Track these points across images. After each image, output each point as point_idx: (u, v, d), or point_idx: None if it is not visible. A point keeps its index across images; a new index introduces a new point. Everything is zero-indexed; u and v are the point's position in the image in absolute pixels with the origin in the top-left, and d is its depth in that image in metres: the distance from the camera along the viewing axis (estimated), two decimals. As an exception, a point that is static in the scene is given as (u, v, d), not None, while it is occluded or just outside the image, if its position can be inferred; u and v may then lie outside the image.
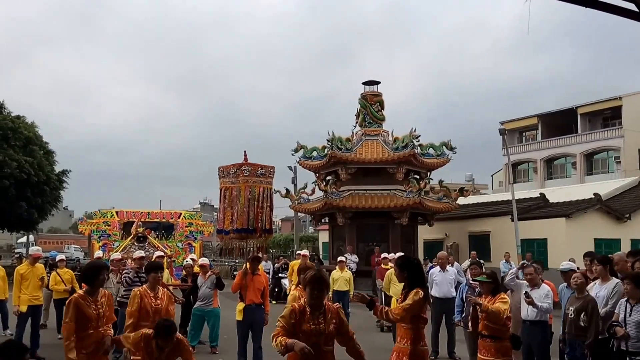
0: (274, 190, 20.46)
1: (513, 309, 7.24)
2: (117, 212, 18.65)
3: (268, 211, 8.96)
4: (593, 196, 23.87)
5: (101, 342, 5.82)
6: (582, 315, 6.95)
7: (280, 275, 21.82)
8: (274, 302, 18.94)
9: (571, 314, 7.09)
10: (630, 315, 6.47)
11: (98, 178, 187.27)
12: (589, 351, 6.89)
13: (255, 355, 9.36)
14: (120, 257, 12.27)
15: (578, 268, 7.85)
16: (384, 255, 15.60)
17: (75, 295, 5.83)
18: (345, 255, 19.38)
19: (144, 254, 11.48)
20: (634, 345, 6.37)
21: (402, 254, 8.89)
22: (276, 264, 23.63)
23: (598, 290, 7.36)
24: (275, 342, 4.49)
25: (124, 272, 10.90)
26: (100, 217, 17.98)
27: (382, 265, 14.95)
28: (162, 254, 12.70)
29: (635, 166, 39.88)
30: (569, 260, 16.03)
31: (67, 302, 5.78)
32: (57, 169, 34.34)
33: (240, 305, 9.40)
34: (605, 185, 27.98)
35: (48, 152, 33.63)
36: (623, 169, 40.95)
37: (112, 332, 6.15)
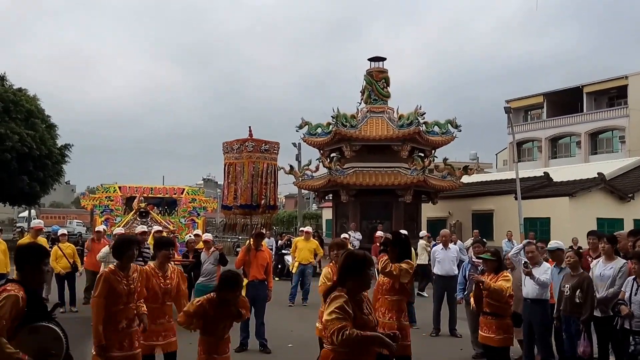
0: (278, 167, 20.52)
1: (514, 287, 7.27)
2: (119, 187, 18.55)
3: (272, 187, 8.89)
4: (597, 175, 23.83)
5: (140, 317, 5.66)
6: (578, 292, 7.03)
7: (283, 251, 21.87)
8: (277, 278, 19.04)
9: (567, 292, 7.15)
10: (635, 294, 6.48)
11: (100, 152, 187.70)
12: (584, 327, 6.98)
13: (257, 331, 9.39)
14: (122, 231, 12.27)
15: (571, 247, 7.83)
16: (344, 235, 15.73)
17: (106, 269, 5.53)
18: (349, 232, 19.41)
19: (146, 229, 11.48)
20: (638, 324, 6.39)
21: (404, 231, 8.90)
22: (279, 241, 23.69)
23: (602, 268, 7.36)
24: (347, 334, 3.77)
25: None
26: (102, 192, 17.86)
27: (377, 244, 15.09)
28: (160, 228, 12.63)
29: (639, 145, 39.70)
30: (572, 240, 16.18)
31: (97, 277, 5.50)
32: (59, 142, 34.32)
33: (244, 281, 9.41)
34: (609, 165, 27.93)
35: (50, 126, 33.54)
36: (627, 148, 40.82)
37: (145, 307, 5.86)
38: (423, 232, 17.35)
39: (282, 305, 13.89)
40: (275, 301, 12.66)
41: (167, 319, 6.39)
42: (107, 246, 11.39)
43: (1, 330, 3.52)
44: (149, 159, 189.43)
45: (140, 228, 11.51)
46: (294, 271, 15.04)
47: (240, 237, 27.04)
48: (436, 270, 11.16)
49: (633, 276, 6.69)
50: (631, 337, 6.43)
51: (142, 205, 13.99)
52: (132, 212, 14.11)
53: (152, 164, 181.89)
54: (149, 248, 11.17)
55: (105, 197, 17.40)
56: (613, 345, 7.06)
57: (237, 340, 9.35)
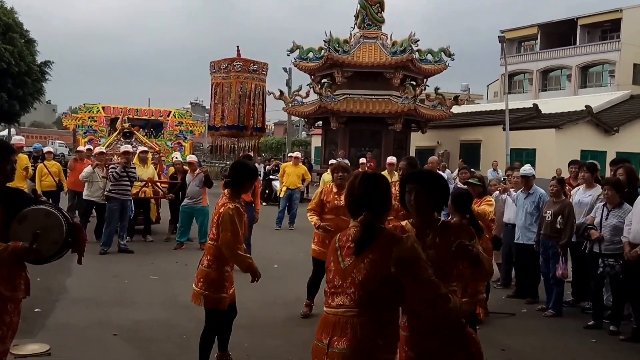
0: (268, 91, 20.41)
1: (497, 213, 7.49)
2: (103, 108, 18.21)
3: (260, 109, 8.83)
4: (584, 108, 23.92)
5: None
6: (559, 218, 7.20)
7: (271, 177, 21.98)
8: (264, 203, 19.18)
9: (548, 217, 7.33)
10: (606, 219, 6.74)
11: (84, 71, 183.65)
12: (562, 251, 7.22)
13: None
14: (103, 150, 12.15)
15: (554, 178, 7.96)
16: (332, 161, 16.10)
17: (231, 206, 4.75)
18: (337, 159, 19.47)
19: (130, 149, 11.32)
20: (608, 247, 6.67)
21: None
22: (267, 166, 23.77)
23: (582, 196, 7.62)
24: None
25: (111, 167, 10.82)
26: (85, 112, 17.54)
27: (360, 170, 15.36)
28: (146, 148, 12.56)
29: (628, 80, 39.78)
30: (556, 171, 16.37)
31: (225, 214, 4.73)
32: (40, 59, 33.46)
33: (231, 203, 9.45)
34: (597, 98, 28.02)
35: (29, 41, 32.54)
36: (617, 83, 40.83)
37: None
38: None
39: (269, 229, 14.08)
40: (262, 225, 12.81)
41: None
42: (89, 166, 11.30)
43: None
44: (134, 80, 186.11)
45: (125, 147, 11.32)
46: (281, 196, 15.14)
47: (228, 163, 27.04)
48: (424, 196, 11.30)
49: (603, 202, 6.92)
50: (600, 260, 6.70)
51: (126, 125, 13.81)
52: (116, 133, 13.94)
53: (137, 86, 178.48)
54: (134, 168, 11.16)
55: (89, 118, 17.11)
56: (584, 267, 7.32)
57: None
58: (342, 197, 6.14)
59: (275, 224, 14.65)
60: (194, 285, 4.89)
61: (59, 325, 6.31)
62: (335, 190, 6.79)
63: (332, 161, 16.59)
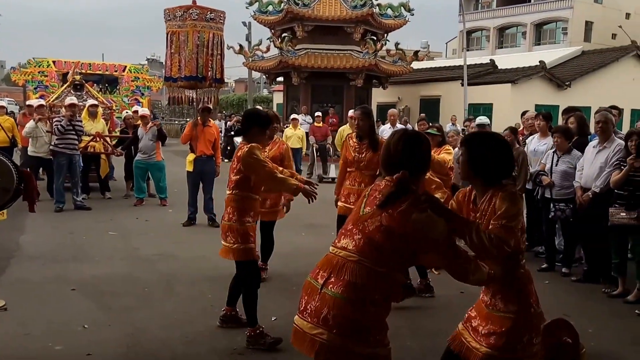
0: (227, 45, 20.02)
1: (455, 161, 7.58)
2: (54, 62, 17.63)
3: (219, 59, 8.60)
4: (538, 64, 24.34)
5: None
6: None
7: (232, 133, 21.79)
8: (225, 160, 19.05)
9: None
10: (556, 165, 6.94)
11: (34, 26, 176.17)
12: None
13: (205, 206, 9.41)
14: (43, 102, 11.68)
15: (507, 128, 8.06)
16: (294, 116, 16.91)
17: (245, 148, 4.51)
18: (299, 115, 19.39)
19: (75, 101, 10.91)
20: (558, 193, 6.89)
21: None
22: (228, 122, 23.53)
23: (537, 144, 7.77)
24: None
25: (55, 120, 10.43)
26: (35, 67, 16.96)
27: (316, 124, 16.98)
28: (96, 102, 12.14)
29: (580, 37, 40.56)
30: (515, 125, 16.66)
31: (244, 157, 4.48)
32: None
33: (191, 157, 9.28)
34: (551, 54, 28.48)
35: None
36: (569, 40, 41.54)
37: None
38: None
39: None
40: (224, 181, 12.63)
41: None
42: (32, 120, 10.89)
43: None
44: (87, 36, 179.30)
45: (69, 100, 10.86)
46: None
47: (187, 120, 26.62)
48: (384, 148, 11.41)
49: (553, 149, 7.09)
50: (552, 205, 6.92)
51: (77, 77, 13.28)
52: (66, 84, 13.42)
53: (90, 42, 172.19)
54: (81, 121, 10.85)
55: (39, 73, 16.56)
56: (536, 212, 7.52)
57: (185, 215, 9.46)
58: (269, 149, 6.07)
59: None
60: (222, 241, 4.74)
61: (14, 281, 6.20)
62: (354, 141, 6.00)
63: (293, 116, 16.65)
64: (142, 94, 18.95)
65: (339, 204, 6.09)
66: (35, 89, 16.52)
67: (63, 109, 11.15)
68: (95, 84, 15.76)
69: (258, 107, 11.68)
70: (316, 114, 17.69)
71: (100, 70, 17.83)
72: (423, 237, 2.55)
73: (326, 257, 2.71)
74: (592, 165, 6.37)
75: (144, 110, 11.89)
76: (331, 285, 2.58)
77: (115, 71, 18.05)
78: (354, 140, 5.95)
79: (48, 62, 17.58)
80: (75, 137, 10.38)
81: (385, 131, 11.63)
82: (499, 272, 2.78)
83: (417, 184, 2.71)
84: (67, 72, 15.53)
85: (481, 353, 2.85)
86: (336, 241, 2.73)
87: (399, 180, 2.60)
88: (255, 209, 4.75)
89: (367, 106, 6.05)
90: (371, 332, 2.55)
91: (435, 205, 2.57)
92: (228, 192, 4.72)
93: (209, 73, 8.52)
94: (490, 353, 2.82)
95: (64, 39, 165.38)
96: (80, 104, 11.80)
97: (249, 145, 4.50)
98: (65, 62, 17.34)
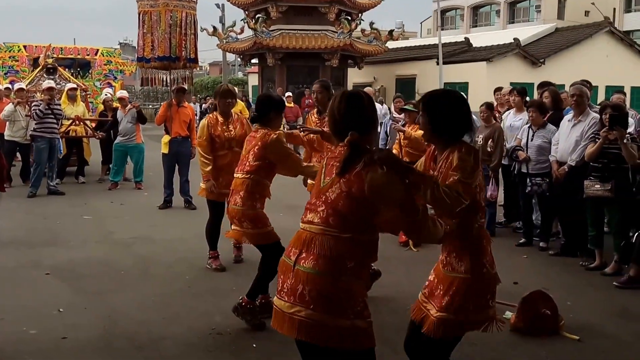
0: (201, 27, 19.76)
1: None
2: (25, 47, 17.34)
3: (192, 39, 8.44)
4: (513, 41, 24.47)
5: None
6: (490, 141, 7.38)
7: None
8: (201, 142, 18.90)
9: (480, 141, 7.49)
10: (532, 140, 6.96)
11: (3, 11, 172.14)
12: (493, 173, 7.45)
13: (182, 188, 9.29)
14: (23, 86, 11.46)
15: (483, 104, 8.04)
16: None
17: (273, 135, 4.48)
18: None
19: (53, 84, 10.69)
20: (534, 167, 6.93)
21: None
22: (204, 105, 23.34)
23: (512, 120, 7.80)
24: None
25: (33, 104, 10.19)
26: (5, 51, 16.62)
27: (287, 104, 16.08)
28: (74, 85, 11.94)
29: (554, 15, 40.86)
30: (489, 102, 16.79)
31: (273, 144, 4.46)
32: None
33: (166, 138, 9.14)
34: (525, 31, 28.60)
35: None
36: (542, 17, 41.77)
37: None
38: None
39: (207, 167, 13.89)
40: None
41: None
42: (10, 104, 10.65)
43: None
44: (58, 20, 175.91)
45: (47, 83, 10.62)
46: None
47: (161, 104, 26.30)
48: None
49: (528, 124, 7.11)
50: (528, 180, 6.96)
51: (50, 60, 13.03)
52: (39, 69, 13.20)
53: (62, 27, 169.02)
54: (59, 105, 10.65)
55: (9, 57, 16.25)
56: (513, 187, 7.58)
57: (160, 197, 9.36)
58: (233, 128, 5.91)
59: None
60: (236, 227, 4.63)
61: (-14, 266, 6.08)
62: (221, 119, 5.90)
63: (289, 94, 16.55)
64: (115, 78, 18.68)
65: (309, 181, 6.00)
66: (5, 74, 16.18)
67: (38, 93, 10.94)
68: (67, 69, 15.45)
69: (270, 91, 11.56)
70: (287, 94, 17.58)
71: (72, 54, 17.53)
72: (380, 196, 2.49)
73: (296, 234, 2.67)
74: (568, 139, 6.40)
75: (122, 92, 11.72)
76: (303, 261, 2.54)
77: (88, 55, 17.75)
78: (315, 116, 5.80)
79: (19, 46, 17.27)
80: (55, 121, 10.19)
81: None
82: (454, 226, 2.80)
83: (369, 141, 2.66)
84: (38, 57, 15.22)
85: (434, 317, 2.85)
86: (303, 217, 2.69)
87: (350, 142, 2.56)
88: (267, 195, 4.69)
89: (326, 80, 5.79)
90: (349, 304, 2.51)
91: (390, 161, 2.51)
92: (241, 175, 4.58)
93: (183, 53, 8.37)
94: (442, 316, 2.83)
95: (35, 24, 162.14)
96: (57, 87, 11.61)
97: (277, 133, 4.48)
98: (36, 46, 17.03)
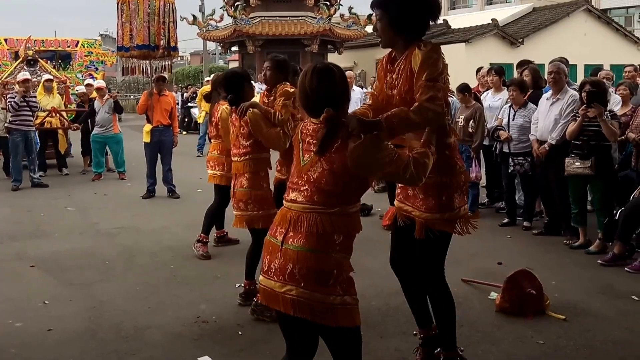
0: (181, 17, 19.65)
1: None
2: (5, 40, 17.18)
3: (172, 27, 8.37)
4: (491, 22, 24.54)
5: None
6: (471, 122, 7.41)
7: (189, 104, 21.48)
8: (184, 132, 18.80)
9: (461, 122, 7.54)
10: (513, 119, 6.99)
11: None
12: (474, 154, 7.51)
13: (165, 178, 9.25)
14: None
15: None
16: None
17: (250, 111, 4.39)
18: (256, 84, 19.15)
19: (29, 76, 10.59)
20: (516, 147, 6.96)
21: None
22: (185, 94, 23.19)
23: (492, 100, 7.83)
24: None
25: (9, 97, 10.10)
26: (-16, 46, 16.44)
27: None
28: (51, 77, 11.85)
29: (530, -5, 40.71)
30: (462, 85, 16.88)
31: (252, 118, 4.35)
32: None
33: (148, 127, 9.07)
34: (503, 12, 28.66)
35: None
36: (520, -2, 41.79)
37: None
38: None
39: (191, 156, 13.84)
40: (183, 152, 12.58)
41: None
42: None
43: None
44: (39, 14, 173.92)
45: (22, 75, 10.54)
46: (200, 121, 14.77)
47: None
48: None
49: (509, 104, 7.14)
50: (510, 159, 7.00)
51: (30, 52, 12.90)
52: (19, 61, 13.09)
53: (42, 19, 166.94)
54: (35, 97, 10.53)
55: (-10, 52, 16.06)
56: (496, 168, 7.62)
57: (144, 187, 9.32)
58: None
59: (197, 151, 14.41)
60: (237, 211, 4.54)
61: (-30, 260, 6.04)
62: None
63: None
64: (97, 69, 18.56)
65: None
66: (-16, 68, 15.93)
67: (17, 85, 10.84)
68: (49, 61, 15.31)
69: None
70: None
71: (53, 47, 17.36)
72: (364, 166, 2.49)
73: (280, 213, 2.66)
74: (547, 118, 6.41)
75: (99, 82, 11.62)
76: (291, 240, 2.53)
77: (68, 47, 17.58)
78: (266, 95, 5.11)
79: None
80: (30, 114, 10.10)
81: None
82: (434, 140, 2.90)
83: (343, 115, 2.61)
84: (19, 50, 15.08)
85: (422, 219, 3.10)
86: (285, 195, 2.68)
87: (327, 120, 2.52)
88: (269, 167, 4.63)
89: (280, 56, 5.02)
90: (338, 280, 2.53)
91: (362, 126, 2.50)
92: (240, 159, 4.51)
93: (162, 41, 8.30)
94: (431, 216, 3.10)
95: (15, 18, 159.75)
96: (35, 79, 11.49)
97: (251, 110, 4.36)
98: (17, 39, 16.87)
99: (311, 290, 2.48)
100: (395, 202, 3.28)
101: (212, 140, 6.36)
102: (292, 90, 4.53)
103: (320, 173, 2.54)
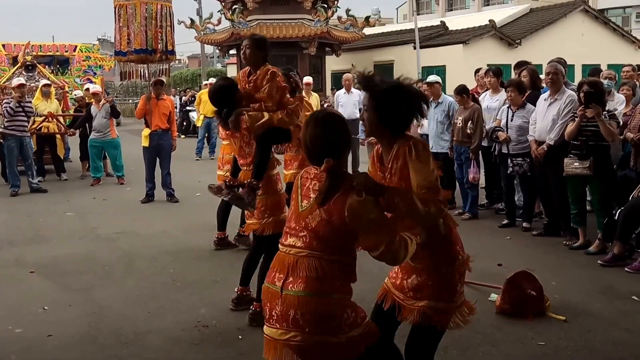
0: (178, 20, 19.62)
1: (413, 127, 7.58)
2: (3, 45, 17.16)
3: (169, 31, 8.37)
4: (488, 23, 24.57)
5: None
6: (469, 123, 7.41)
7: (188, 108, 21.48)
8: (182, 136, 18.78)
9: (459, 123, 7.53)
10: (512, 120, 6.98)
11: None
12: (473, 155, 7.49)
13: (163, 182, 9.24)
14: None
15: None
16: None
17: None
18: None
19: (24, 81, 10.54)
20: (515, 147, 6.94)
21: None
22: (183, 97, 23.21)
23: (490, 101, 7.82)
24: None
25: (4, 102, 10.09)
26: (-17, 51, 16.41)
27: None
28: (48, 82, 11.82)
29: (528, -5, 40.82)
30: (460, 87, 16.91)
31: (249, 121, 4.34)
32: None
33: (146, 131, 9.07)
34: (500, 13, 28.70)
35: None
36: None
37: None
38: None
39: (190, 160, 13.85)
40: (182, 157, 12.57)
41: None
42: None
43: None
44: (37, 18, 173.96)
45: (17, 80, 10.50)
46: (199, 125, 14.80)
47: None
48: (339, 114, 11.40)
49: (507, 104, 7.13)
50: (509, 160, 6.98)
51: (28, 58, 12.89)
52: (17, 66, 13.08)
53: (40, 24, 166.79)
54: (30, 102, 10.52)
55: (-12, 57, 16.04)
56: (495, 169, 7.61)
57: (143, 192, 9.31)
58: None
59: (195, 155, 14.41)
60: (255, 219, 4.42)
61: (-30, 267, 6.02)
62: None
63: (307, 80, 16.19)
64: (95, 74, 18.51)
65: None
66: (-16, 74, 15.91)
67: (13, 91, 10.83)
68: (47, 66, 15.31)
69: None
70: (305, 80, 16.99)
71: (51, 51, 17.34)
72: (359, 223, 2.43)
73: (277, 258, 2.62)
74: (545, 118, 6.40)
75: (95, 87, 11.61)
76: (291, 285, 2.49)
77: (66, 51, 17.55)
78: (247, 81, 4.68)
79: (-3, 46, 17.08)
80: (25, 119, 10.08)
81: (340, 96, 11.79)
82: (424, 236, 2.68)
83: (343, 161, 2.62)
84: (17, 55, 15.06)
85: (417, 307, 2.75)
86: (283, 239, 2.64)
87: (328, 171, 2.49)
88: (278, 163, 4.58)
89: (258, 35, 4.87)
90: (343, 319, 2.49)
91: (367, 186, 2.45)
92: (249, 168, 4.40)
93: (159, 45, 8.29)
94: (431, 304, 2.74)
95: (13, 22, 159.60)
96: (33, 84, 11.47)
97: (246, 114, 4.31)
98: (15, 45, 16.84)
99: (316, 335, 2.45)
100: (386, 280, 3.01)
101: (223, 142, 6.40)
102: (274, 69, 4.47)
103: (318, 222, 2.50)
